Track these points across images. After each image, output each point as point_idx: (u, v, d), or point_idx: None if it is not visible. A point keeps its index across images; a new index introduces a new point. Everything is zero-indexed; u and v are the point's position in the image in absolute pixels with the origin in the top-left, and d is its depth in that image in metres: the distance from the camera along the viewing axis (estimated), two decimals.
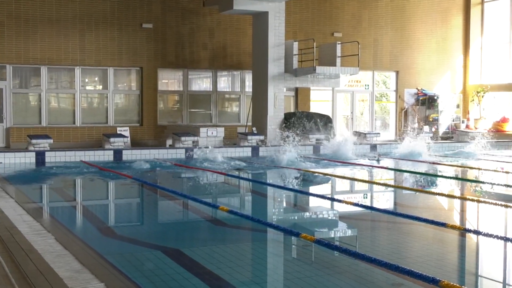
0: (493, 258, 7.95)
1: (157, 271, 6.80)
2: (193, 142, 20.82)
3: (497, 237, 8.34)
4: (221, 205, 10.43)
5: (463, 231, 8.87)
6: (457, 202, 11.82)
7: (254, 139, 21.49)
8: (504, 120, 28.94)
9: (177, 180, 14.51)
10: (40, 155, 17.85)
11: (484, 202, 11.16)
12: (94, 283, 5.68)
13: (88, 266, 6.26)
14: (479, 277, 7.15)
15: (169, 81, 25.71)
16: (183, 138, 20.65)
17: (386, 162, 19.10)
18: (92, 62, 23.07)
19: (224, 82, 26.71)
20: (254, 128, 22.51)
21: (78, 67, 22.97)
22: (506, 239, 8.39)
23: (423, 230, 9.14)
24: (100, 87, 24.11)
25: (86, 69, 23.36)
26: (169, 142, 21.41)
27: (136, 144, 22.23)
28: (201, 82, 26.47)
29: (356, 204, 10.85)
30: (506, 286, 6.78)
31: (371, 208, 10.69)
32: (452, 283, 5.85)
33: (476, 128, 28.59)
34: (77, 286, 5.58)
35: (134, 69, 24.10)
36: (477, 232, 8.97)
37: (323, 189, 13.73)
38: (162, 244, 8.36)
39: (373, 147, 22.72)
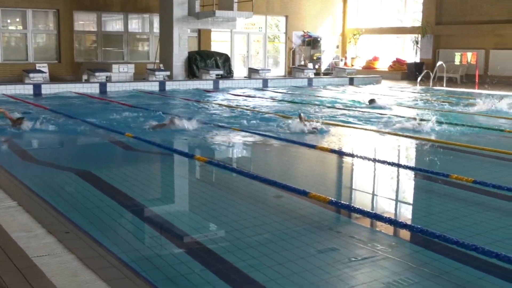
0: (353, 173, 8.32)
1: (71, 191, 6.76)
2: (107, 77, 20.50)
3: (354, 156, 8.81)
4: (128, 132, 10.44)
5: (330, 152, 9.27)
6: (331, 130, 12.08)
7: (161, 75, 21.33)
8: (375, 58, 29.89)
9: (91, 110, 14.36)
10: None
11: (348, 126, 11.61)
12: (7, 202, 5.60)
13: (1, 186, 6.14)
14: (342, 189, 7.63)
15: (84, 22, 24.93)
16: (97, 74, 20.26)
17: (268, 93, 19.56)
18: (12, 3, 22.02)
19: (135, 24, 26.17)
20: (161, 65, 22.32)
21: None
22: (357, 156, 8.90)
23: (305, 152, 9.52)
24: (20, 27, 23.13)
25: (6, 10, 22.26)
26: (84, 77, 20.96)
27: (54, 79, 21.59)
28: (114, 24, 25.85)
29: (247, 131, 10.96)
30: (356, 193, 7.22)
31: (258, 134, 10.75)
32: (318, 194, 6.18)
33: (352, 66, 29.40)
34: None
35: (51, 11, 23.19)
36: (341, 153, 9.37)
37: (223, 116, 13.84)
38: (74, 167, 8.24)
39: (265, 81, 23.07)
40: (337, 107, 15.08)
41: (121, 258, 4.35)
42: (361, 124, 12.00)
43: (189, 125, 10.83)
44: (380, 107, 14.88)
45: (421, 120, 11.58)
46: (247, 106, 15.51)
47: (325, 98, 18.04)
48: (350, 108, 14.66)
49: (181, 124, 10.80)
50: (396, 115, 13.09)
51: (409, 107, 15.57)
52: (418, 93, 20.48)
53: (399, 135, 10.66)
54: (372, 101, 15.34)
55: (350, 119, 12.75)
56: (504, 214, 5.98)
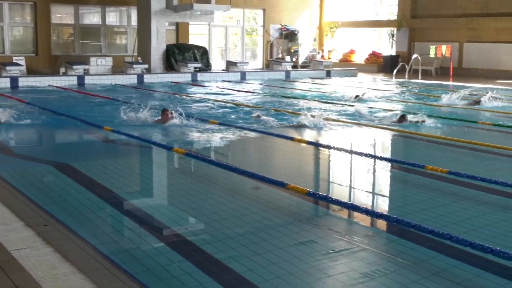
0: (331, 165, 8.37)
1: (49, 184, 6.72)
2: (84, 70, 20.31)
3: (332, 148, 8.88)
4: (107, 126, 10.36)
5: (307, 144, 9.32)
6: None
7: (139, 68, 21.21)
8: (351, 51, 30.00)
9: (69, 103, 14.22)
10: None
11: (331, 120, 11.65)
12: None
13: None
14: (320, 180, 7.66)
15: (62, 15, 24.67)
16: (75, 67, 20.07)
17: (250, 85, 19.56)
18: None
19: (113, 17, 25.96)
20: (139, 58, 22.18)
21: None
22: (334, 148, 8.95)
23: (284, 144, 9.55)
24: None
25: None
26: (62, 70, 20.75)
27: (32, 72, 21.35)
28: (92, 17, 25.61)
29: (223, 124, 10.95)
30: (333, 185, 7.26)
31: (236, 126, 10.73)
32: (296, 185, 6.20)
33: (329, 59, 29.47)
34: None
35: (28, 4, 22.92)
36: (317, 145, 9.42)
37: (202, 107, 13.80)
38: (53, 160, 8.17)
39: (243, 74, 23.03)
40: (326, 101, 15.01)
41: (100, 250, 4.32)
42: (347, 118, 11.93)
43: (186, 119, 10.57)
44: (366, 101, 14.85)
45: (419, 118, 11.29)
46: (226, 98, 15.49)
47: (309, 93, 18.01)
48: (338, 103, 14.58)
49: (178, 118, 10.56)
50: (386, 110, 13.11)
51: (396, 101, 15.55)
52: (403, 86, 20.55)
53: (379, 128, 10.72)
54: (358, 96, 15.36)
55: (336, 114, 12.66)
56: (478, 203, 6.05)
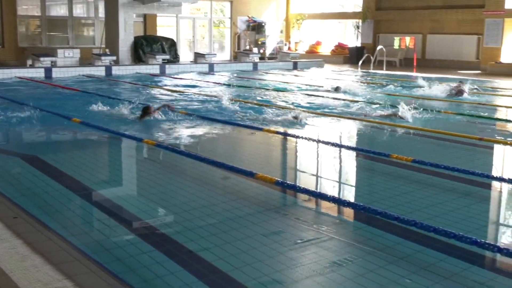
0: (298, 155, 8.40)
1: (18, 177, 6.60)
2: (52, 62, 19.99)
3: (299, 137, 8.91)
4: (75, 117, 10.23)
5: (275, 134, 9.35)
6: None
7: (107, 60, 20.94)
8: (318, 43, 30.11)
9: (36, 95, 13.98)
10: None
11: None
12: None
13: None
14: (288, 169, 7.70)
15: (28, 6, 24.22)
16: (42, 59, 19.72)
17: (218, 77, 19.50)
18: None
19: (80, 9, 25.59)
20: (107, 50, 21.91)
21: None
22: (302, 138, 8.99)
23: (253, 134, 9.55)
24: None
25: None
26: (29, 62, 20.38)
27: None
28: (59, 8, 25.20)
29: (192, 114, 10.90)
30: (301, 174, 7.32)
31: (204, 118, 10.72)
32: (265, 175, 6.20)
33: (296, 50, 29.54)
34: None
35: None
36: (286, 135, 9.42)
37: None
38: (21, 152, 8.03)
39: (211, 66, 22.94)
40: (306, 93, 14.95)
41: (70, 241, 4.28)
42: (324, 109, 11.93)
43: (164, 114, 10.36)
44: (346, 93, 14.82)
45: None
46: (192, 90, 15.43)
47: (291, 85, 17.99)
48: (318, 95, 14.53)
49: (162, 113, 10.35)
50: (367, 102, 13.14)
51: (374, 93, 15.53)
52: (379, 78, 20.69)
53: (351, 119, 10.79)
54: (338, 88, 15.38)
55: (315, 105, 12.62)
56: (441, 190, 6.15)
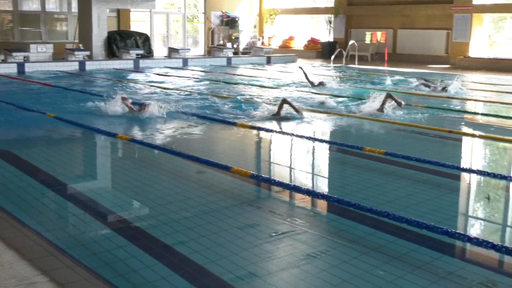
0: (273, 149, 8.44)
1: None
2: (24, 57, 19.70)
3: (274, 131, 8.94)
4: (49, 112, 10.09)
5: (251, 128, 9.32)
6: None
7: (81, 55, 20.70)
8: (291, 38, 30.14)
9: (9, 91, 13.77)
10: None
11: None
12: None
13: None
14: (262, 163, 7.71)
15: (0, 1, 23.84)
16: (14, 54, 19.42)
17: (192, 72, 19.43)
18: None
19: (52, 4, 25.24)
20: (80, 45, 21.66)
21: None
22: (277, 132, 8.99)
23: (228, 129, 9.51)
24: None
25: None
26: (1, 57, 20.05)
27: None
28: (31, 3, 24.82)
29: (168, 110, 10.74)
30: (276, 167, 7.32)
31: (180, 112, 10.57)
32: (241, 168, 6.22)
33: (269, 45, 29.52)
34: None
35: None
36: (261, 129, 9.39)
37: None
38: None
39: (185, 61, 22.83)
40: (290, 89, 14.86)
41: (45, 237, 4.23)
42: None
43: (160, 110, 10.17)
44: (329, 89, 14.76)
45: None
46: (166, 85, 15.35)
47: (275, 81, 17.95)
48: (303, 91, 14.41)
49: (153, 110, 10.16)
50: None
51: (357, 88, 15.55)
52: (358, 73, 20.78)
53: (324, 113, 10.82)
54: (321, 83, 15.32)
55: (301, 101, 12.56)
56: (412, 182, 6.21)
